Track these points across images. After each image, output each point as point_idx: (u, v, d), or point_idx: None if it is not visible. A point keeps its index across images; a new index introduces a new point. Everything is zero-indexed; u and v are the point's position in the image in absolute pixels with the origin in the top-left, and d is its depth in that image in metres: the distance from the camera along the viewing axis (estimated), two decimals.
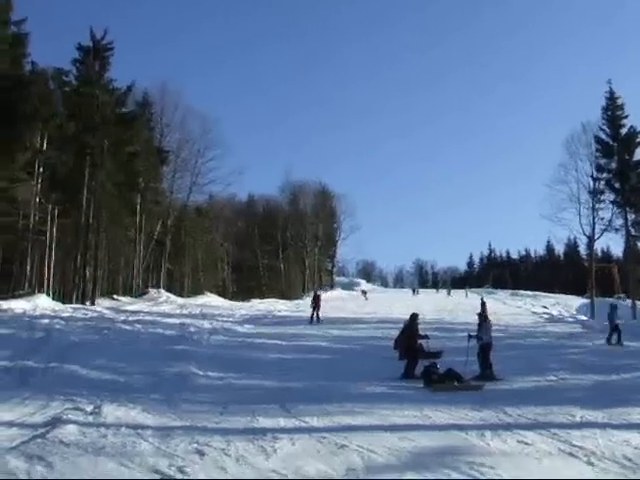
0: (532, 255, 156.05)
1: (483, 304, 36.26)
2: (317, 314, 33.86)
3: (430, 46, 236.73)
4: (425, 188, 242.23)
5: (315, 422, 10.79)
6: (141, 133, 52.39)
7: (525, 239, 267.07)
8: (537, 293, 79.25)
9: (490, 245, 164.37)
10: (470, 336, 17.61)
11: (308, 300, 41.10)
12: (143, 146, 52.26)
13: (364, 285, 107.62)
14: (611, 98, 51.80)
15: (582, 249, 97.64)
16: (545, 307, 54.61)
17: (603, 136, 51.65)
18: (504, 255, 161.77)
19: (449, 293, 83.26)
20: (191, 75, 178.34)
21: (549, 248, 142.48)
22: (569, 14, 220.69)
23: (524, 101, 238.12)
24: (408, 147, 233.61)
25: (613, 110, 51.62)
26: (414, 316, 18.68)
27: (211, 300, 52.66)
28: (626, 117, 51.54)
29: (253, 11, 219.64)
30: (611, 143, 51.18)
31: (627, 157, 50.85)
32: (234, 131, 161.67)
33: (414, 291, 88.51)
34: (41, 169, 41.91)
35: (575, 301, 65.98)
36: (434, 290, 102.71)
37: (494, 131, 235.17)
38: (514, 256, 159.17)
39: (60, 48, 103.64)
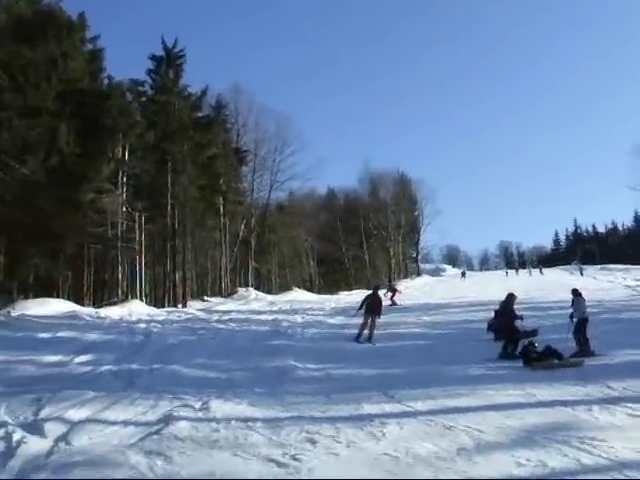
0: (620, 227, 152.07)
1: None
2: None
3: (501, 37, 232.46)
4: (509, 167, 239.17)
5: (420, 406, 10.79)
6: (218, 135, 53.23)
7: (612, 211, 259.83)
8: (628, 266, 76.85)
9: (576, 221, 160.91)
10: (572, 314, 17.43)
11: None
12: (221, 148, 53.06)
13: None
14: None
15: None
16: (638, 280, 53.17)
17: None
18: (590, 230, 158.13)
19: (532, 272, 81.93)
20: (265, 73, 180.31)
21: (637, 219, 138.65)
22: None
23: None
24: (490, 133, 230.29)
25: None
26: (510, 296, 18.51)
27: (299, 295, 53.00)
28: None
29: (334, 10, 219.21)
30: None
31: None
32: (309, 126, 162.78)
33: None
34: (125, 179, 42.91)
35: None
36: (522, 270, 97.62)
37: (574, 116, 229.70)
38: (601, 230, 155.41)
39: (133, 60, 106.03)
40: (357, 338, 21.16)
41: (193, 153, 47.24)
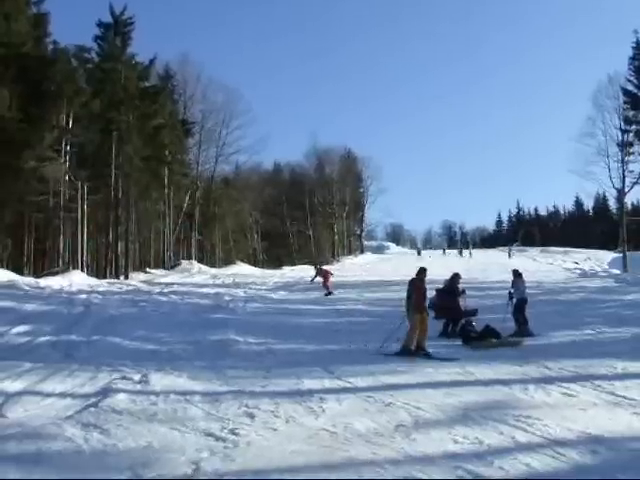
0: (561, 211, 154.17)
1: None
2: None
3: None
4: (453, 148, 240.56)
5: (359, 382, 10.91)
6: (165, 106, 52.60)
7: (554, 195, 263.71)
8: (568, 249, 78.07)
9: (519, 203, 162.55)
10: (511, 294, 17.75)
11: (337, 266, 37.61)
12: (168, 119, 52.45)
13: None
14: (638, 48, 50.42)
15: (612, 203, 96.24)
16: (576, 263, 54.21)
17: (630, 87, 50.43)
18: (532, 212, 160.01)
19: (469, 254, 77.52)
20: (213, 46, 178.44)
21: (578, 203, 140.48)
22: None
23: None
24: (435, 111, 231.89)
25: None
26: (455, 276, 18.72)
27: (243, 269, 52.95)
28: None
29: None
30: (639, 94, 50.11)
31: None
32: (257, 101, 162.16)
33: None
34: (69, 147, 42.22)
35: (606, 256, 65.30)
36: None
37: (517, 97, 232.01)
38: (543, 213, 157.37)
39: (80, 26, 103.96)
40: (402, 352, 14.06)
41: (139, 123, 46.61)
